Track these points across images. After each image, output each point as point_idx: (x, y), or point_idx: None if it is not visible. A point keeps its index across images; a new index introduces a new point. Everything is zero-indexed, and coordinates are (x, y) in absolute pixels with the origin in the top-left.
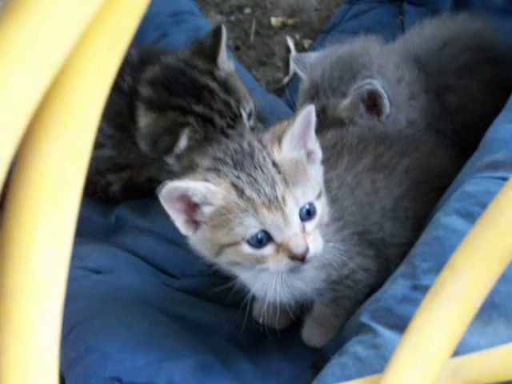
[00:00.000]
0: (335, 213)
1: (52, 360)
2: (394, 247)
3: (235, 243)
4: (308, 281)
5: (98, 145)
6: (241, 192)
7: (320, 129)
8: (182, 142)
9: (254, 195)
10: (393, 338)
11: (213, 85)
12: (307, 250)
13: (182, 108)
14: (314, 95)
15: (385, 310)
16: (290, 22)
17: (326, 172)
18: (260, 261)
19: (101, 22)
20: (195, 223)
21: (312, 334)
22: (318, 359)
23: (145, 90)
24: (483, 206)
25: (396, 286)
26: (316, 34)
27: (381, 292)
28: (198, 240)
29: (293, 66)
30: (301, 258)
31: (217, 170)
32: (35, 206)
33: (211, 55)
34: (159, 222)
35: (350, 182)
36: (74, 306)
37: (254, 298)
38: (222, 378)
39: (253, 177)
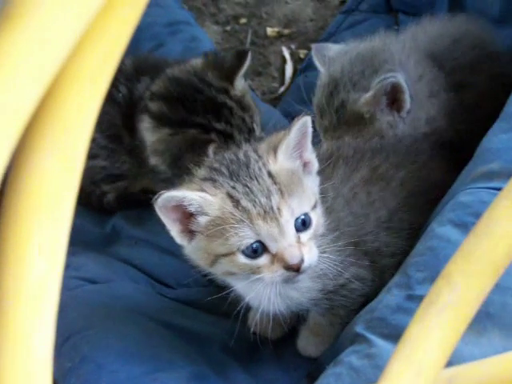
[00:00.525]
0: (331, 223)
1: (46, 369)
2: (388, 257)
3: (230, 253)
4: (304, 291)
5: (91, 155)
6: (236, 202)
7: (338, 125)
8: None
9: (249, 206)
10: (387, 348)
11: (230, 103)
12: (302, 260)
13: (203, 125)
14: (332, 90)
15: (379, 320)
16: (285, 32)
17: (321, 183)
18: (255, 271)
19: (95, 33)
20: (190, 233)
21: (307, 344)
22: (314, 369)
23: (154, 105)
24: (477, 216)
25: (391, 296)
26: (312, 44)
27: (375, 302)
28: (194, 250)
29: (313, 55)
30: (296, 269)
31: (213, 180)
32: (29, 216)
33: (230, 75)
34: (155, 232)
35: (346, 193)
36: (69, 315)
37: (248, 307)
38: None
39: (248, 187)
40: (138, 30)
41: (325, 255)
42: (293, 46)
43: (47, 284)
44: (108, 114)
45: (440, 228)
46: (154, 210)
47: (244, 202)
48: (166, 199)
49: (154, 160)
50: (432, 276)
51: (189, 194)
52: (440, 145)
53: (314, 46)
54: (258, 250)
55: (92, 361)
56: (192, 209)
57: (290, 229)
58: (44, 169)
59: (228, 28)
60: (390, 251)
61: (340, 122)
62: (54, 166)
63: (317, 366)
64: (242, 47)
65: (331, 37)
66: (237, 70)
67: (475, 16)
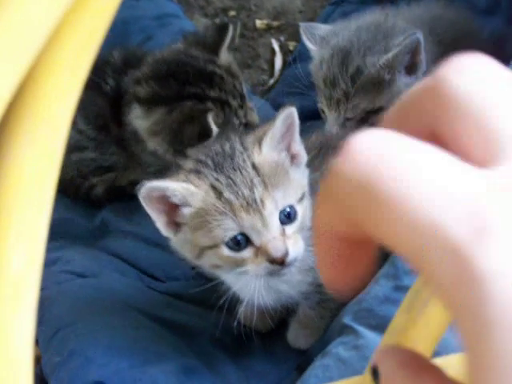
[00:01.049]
0: None
1: (26, 364)
2: (379, 247)
3: (214, 246)
4: (294, 284)
5: (80, 147)
6: (219, 194)
7: (355, 93)
8: (214, 128)
9: (232, 197)
10: (375, 339)
11: (220, 71)
12: (286, 253)
13: (197, 95)
14: (343, 59)
15: (367, 311)
16: (274, 24)
17: (311, 174)
18: (240, 264)
19: (72, 22)
20: (176, 225)
21: (297, 336)
22: (303, 361)
23: (142, 89)
24: None
25: (378, 287)
26: (301, 35)
27: (363, 293)
28: (180, 242)
29: (302, 34)
30: (280, 262)
31: (198, 172)
32: (7, 207)
33: (214, 49)
34: (144, 226)
35: None
36: (57, 309)
37: (238, 300)
38: (206, 380)
39: (232, 179)
40: (127, 23)
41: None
42: (282, 38)
43: (27, 276)
44: (96, 106)
45: None
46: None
47: (227, 194)
48: (148, 189)
49: (152, 144)
50: None
51: (172, 185)
52: None
53: (302, 24)
54: (241, 242)
55: (81, 354)
56: (176, 200)
57: (274, 221)
58: (22, 160)
59: (217, 20)
60: None
61: (357, 89)
62: (33, 157)
63: (306, 358)
64: (231, 40)
65: None
66: (220, 43)
67: (461, 6)
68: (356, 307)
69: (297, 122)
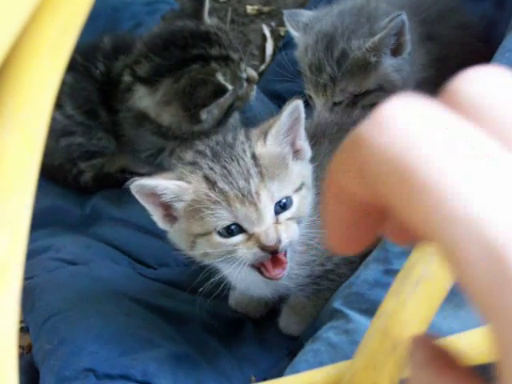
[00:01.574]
0: (320, 208)
1: (10, 351)
2: None
3: (207, 233)
4: (292, 277)
5: (68, 132)
6: (213, 184)
7: (341, 77)
8: (230, 90)
9: (226, 188)
10: (365, 324)
11: (212, 29)
12: (279, 241)
13: (201, 56)
14: (328, 43)
15: (357, 295)
16: (265, 9)
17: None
18: (230, 251)
19: (53, 4)
20: (173, 217)
21: (289, 323)
22: (295, 347)
23: (143, 67)
24: None
25: (368, 271)
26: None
27: (354, 277)
28: (176, 233)
29: (285, 21)
30: (271, 250)
31: (194, 164)
32: None
33: (195, 16)
34: (135, 213)
35: None
36: (48, 297)
37: (230, 287)
38: (198, 367)
39: (227, 169)
40: (117, 9)
41: (316, 240)
42: (273, 24)
43: (10, 261)
44: (85, 90)
45: None
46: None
47: (221, 184)
48: (138, 186)
49: (166, 116)
50: (410, 250)
51: (162, 183)
52: None
53: (285, 11)
54: (234, 230)
55: (71, 342)
56: (166, 198)
57: (269, 213)
58: (4, 145)
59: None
60: None
61: (343, 72)
62: (14, 141)
63: (298, 344)
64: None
65: None
66: (200, 9)
67: None
68: (346, 291)
69: (303, 116)
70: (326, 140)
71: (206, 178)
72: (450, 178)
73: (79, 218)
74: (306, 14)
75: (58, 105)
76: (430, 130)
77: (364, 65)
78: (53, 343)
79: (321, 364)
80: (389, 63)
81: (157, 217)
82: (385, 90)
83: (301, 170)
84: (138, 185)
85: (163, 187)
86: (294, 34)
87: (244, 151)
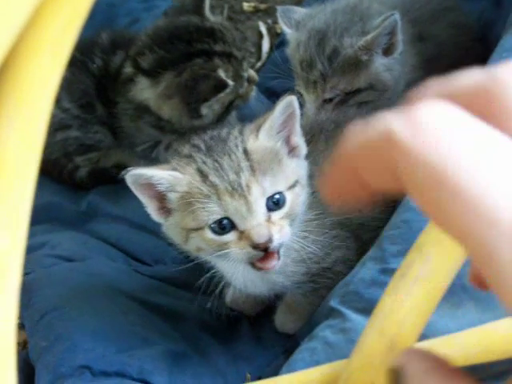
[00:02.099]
0: (317, 206)
1: (8, 349)
2: (372, 231)
3: (199, 228)
4: (288, 275)
5: (64, 126)
6: (205, 178)
7: (332, 73)
8: (231, 85)
9: (217, 181)
10: (362, 322)
11: (216, 26)
12: (270, 240)
13: (205, 51)
14: (320, 40)
15: (354, 294)
16: (262, 6)
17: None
18: (222, 247)
19: (54, 3)
20: (167, 211)
21: (285, 321)
22: (291, 345)
23: (146, 59)
24: None
25: (365, 270)
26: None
27: (350, 276)
28: (170, 227)
29: (279, 17)
30: (263, 248)
31: (189, 157)
32: None
33: (197, 12)
34: (131, 209)
35: None
36: (44, 294)
37: (226, 284)
38: (194, 364)
39: (219, 163)
40: (113, 6)
41: (311, 237)
42: (269, 21)
43: (9, 259)
44: (82, 84)
45: None
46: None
47: (212, 178)
48: (133, 176)
49: (167, 109)
50: (406, 249)
51: (158, 173)
52: None
53: (279, 8)
54: (226, 226)
55: (67, 339)
56: (162, 188)
57: (260, 207)
58: (4, 143)
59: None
60: (375, 225)
61: (334, 69)
62: (14, 139)
63: (294, 342)
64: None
65: None
66: (200, 5)
67: None
68: (343, 290)
69: (298, 112)
70: (322, 138)
71: (200, 171)
72: (487, 186)
73: (75, 215)
74: (299, 11)
75: (55, 99)
76: (466, 138)
77: (355, 63)
78: (49, 340)
79: (317, 363)
80: (380, 62)
81: (151, 209)
82: (375, 89)
83: (295, 168)
84: (134, 174)
85: (158, 177)
86: (287, 30)
87: (236, 146)
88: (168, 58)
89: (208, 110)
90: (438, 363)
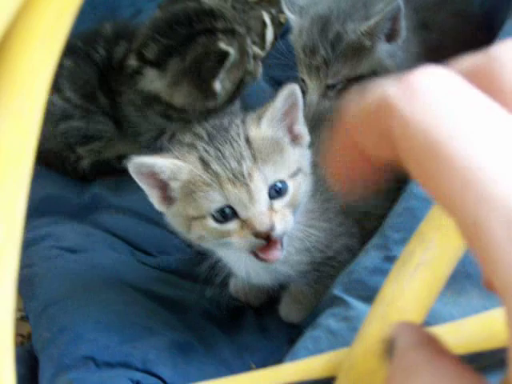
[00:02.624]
0: (321, 194)
1: (6, 341)
2: (376, 220)
3: (201, 217)
4: (292, 264)
5: (66, 116)
6: (207, 166)
7: (335, 59)
8: (230, 49)
9: (219, 169)
10: (365, 310)
11: (215, 6)
12: (272, 228)
13: (207, 30)
14: (323, 26)
15: (357, 282)
16: None
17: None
18: (225, 236)
19: None
20: (170, 199)
21: (289, 311)
22: (295, 335)
23: (149, 50)
24: None
25: (368, 258)
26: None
27: (354, 264)
28: (172, 216)
29: (283, 3)
30: (265, 236)
31: (191, 145)
32: None
33: None
34: (135, 200)
35: None
36: (47, 285)
37: (230, 274)
38: (198, 355)
39: (221, 151)
40: None
41: (316, 225)
42: (273, 11)
43: (5, 249)
44: (85, 74)
45: (418, 188)
46: (133, 178)
47: (214, 166)
48: (136, 165)
49: (179, 97)
50: (410, 237)
51: (160, 161)
52: None
53: None
54: (228, 214)
55: (71, 330)
56: (164, 176)
57: (262, 195)
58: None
59: None
60: (378, 213)
61: (337, 55)
62: (9, 129)
63: (298, 332)
64: None
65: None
66: None
67: None
68: (346, 278)
69: (300, 101)
70: (325, 126)
71: (201, 160)
72: (481, 158)
73: (79, 207)
74: None
75: (58, 89)
76: (464, 107)
77: (358, 49)
78: (52, 331)
79: (320, 351)
80: (383, 49)
81: (154, 198)
82: (378, 76)
83: (298, 156)
84: (136, 163)
85: (160, 165)
86: (290, 16)
87: (238, 134)
88: (171, 45)
89: (220, 88)
90: (429, 339)
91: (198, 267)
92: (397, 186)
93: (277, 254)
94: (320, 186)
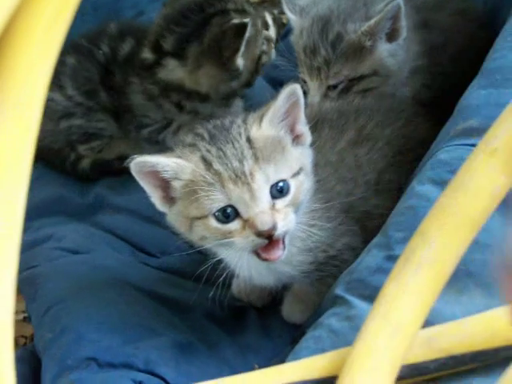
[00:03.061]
0: (322, 193)
1: (6, 336)
2: (377, 219)
3: (203, 217)
4: (295, 265)
5: (68, 114)
6: (209, 165)
7: (336, 59)
8: (248, 30)
9: (221, 169)
10: (367, 310)
11: None
12: (274, 227)
13: (220, 11)
14: (323, 26)
15: (359, 282)
16: None
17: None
18: (227, 236)
19: None
20: (171, 200)
21: (292, 311)
22: (298, 335)
23: (167, 42)
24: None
25: (370, 257)
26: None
27: (356, 263)
28: (174, 216)
29: (283, 4)
30: (267, 236)
31: (192, 145)
32: None
33: None
34: (137, 201)
35: (334, 159)
36: (50, 286)
37: (233, 275)
38: (201, 355)
39: (222, 151)
40: None
41: (318, 225)
42: (275, 12)
43: (5, 246)
44: (87, 71)
45: (420, 187)
46: (136, 179)
47: (216, 165)
48: (138, 164)
49: (203, 82)
50: (411, 236)
51: (162, 160)
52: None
53: None
54: (230, 214)
55: (73, 331)
56: (167, 175)
57: (263, 195)
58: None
59: None
60: (379, 213)
61: (337, 55)
62: (7, 125)
63: (301, 332)
64: None
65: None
66: None
67: None
68: (348, 277)
69: (301, 100)
70: (326, 126)
71: (203, 160)
72: None
73: (81, 207)
74: None
75: (60, 86)
76: None
77: (359, 49)
78: (54, 332)
79: (322, 350)
80: (384, 48)
81: (155, 198)
82: (379, 76)
83: (300, 156)
84: (139, 162)
85: (163, 164)
86: (291, 17)
87: (239, 134)
88: (188, 33)
89: (242, 64)
90: None
91: (200, 268)
92: (398, 185)
93: (279, 253)
94: (321, 185)
